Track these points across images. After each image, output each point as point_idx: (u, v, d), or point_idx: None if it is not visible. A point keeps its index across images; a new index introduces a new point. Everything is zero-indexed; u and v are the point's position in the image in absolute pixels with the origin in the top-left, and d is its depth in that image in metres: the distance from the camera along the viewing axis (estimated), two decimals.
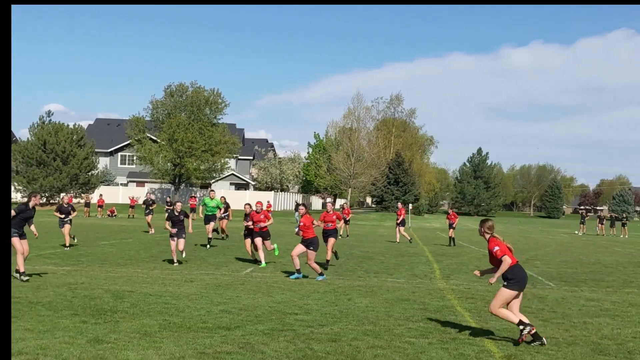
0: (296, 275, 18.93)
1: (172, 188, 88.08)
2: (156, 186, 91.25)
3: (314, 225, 19.30)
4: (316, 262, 18.89)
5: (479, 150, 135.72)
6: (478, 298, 16.23)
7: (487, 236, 11.37)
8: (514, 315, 10.93)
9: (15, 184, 74.29)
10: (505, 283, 10.88)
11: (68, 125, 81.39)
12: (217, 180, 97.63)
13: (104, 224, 45.62)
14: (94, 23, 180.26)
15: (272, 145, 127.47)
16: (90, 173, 79.89)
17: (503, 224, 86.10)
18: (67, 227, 26.34)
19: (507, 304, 10.94)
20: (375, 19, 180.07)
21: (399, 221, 38.01)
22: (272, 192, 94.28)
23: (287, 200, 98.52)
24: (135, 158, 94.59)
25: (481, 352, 10.30)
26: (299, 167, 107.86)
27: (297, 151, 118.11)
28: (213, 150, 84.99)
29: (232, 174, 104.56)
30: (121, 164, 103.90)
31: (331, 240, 22.24)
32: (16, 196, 72.74)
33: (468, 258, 28.81)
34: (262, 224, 21.66)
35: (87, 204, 64.31)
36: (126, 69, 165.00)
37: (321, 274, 18.85)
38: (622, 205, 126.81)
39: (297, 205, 21.45)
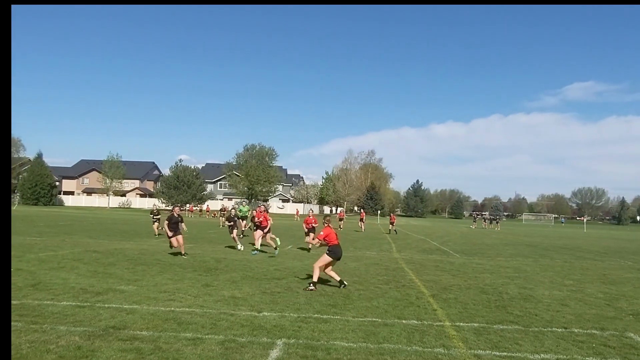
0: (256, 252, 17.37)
1: (247, 201, 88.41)
2: (238, 200, 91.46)
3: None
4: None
5: (417, 181, 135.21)
6: (417, 263, 16.20)
7: (325, 225, 10.99)
8: (331, 273, 10.68)
9: (161, 199, 75.20)
10: (327, 252, 10.57)
11: (190, 166, 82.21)
12: (272, 197, 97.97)
13: (209, 221, 45.63)
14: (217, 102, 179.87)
15: (302, 178, 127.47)
16: (202, 193, 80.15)
17: (430, 221, 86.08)
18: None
19: (326, 266, 10.59)
20: (367, 103, 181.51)
21: (362, 219, 39.15)
22: (302, 203, 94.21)
23: (310, 209, 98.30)
24: (227, 184, 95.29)
25: (419, 293, 10.34)
26: (317, 190, 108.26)
27: (316, 181, 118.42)
28: (269, 181, 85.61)
29: (280, 194, 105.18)
30: (220, 188, 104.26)
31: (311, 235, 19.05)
32: (161, 206, 73.72)
33: (412, 241, 28.70)
34: (264, 225, 18.42)
35: (201, 210, 65.92)
36: (223, 130, 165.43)
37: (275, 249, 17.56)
38: (496, 211, 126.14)
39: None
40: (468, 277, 13.19)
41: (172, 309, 7.83)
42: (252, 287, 10.12)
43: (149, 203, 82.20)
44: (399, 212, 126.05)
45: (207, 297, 8.95)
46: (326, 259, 10.55)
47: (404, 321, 7.75)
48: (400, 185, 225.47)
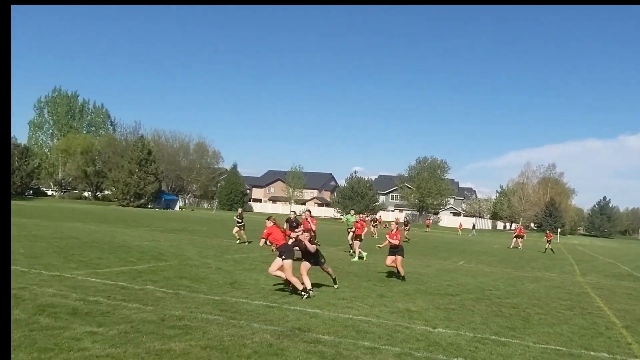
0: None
1: (418, 214, 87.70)
2: (408, 212, 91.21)
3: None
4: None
5: (604, 197, 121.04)
6: (605, 288, 14.57)
7: (269, 224, 10.00)
8: (300, 277, 9.44)
9: (337, 208, 78.32)
10: (279, 255, 9.57)
11: (364, 178, 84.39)
12: (442, 210, 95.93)
13: (381, 232, 46.08)
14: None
15: (474, 191, 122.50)
16: (375, 204, 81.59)
17: (619, 242, 76.42)
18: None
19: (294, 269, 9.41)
20: (546, 113, 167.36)
21: (520, 234, 36.05)
22: (474, 217, 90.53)
23: (483, 223, 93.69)
24: (399, 196, 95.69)
25: (608, 323, 9.28)
26: (491, 204, 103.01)
27: (489, 195, 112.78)
28: (441, 193, 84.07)
29: (451, 207, 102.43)
30: (391, 199, 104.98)
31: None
32: (335, 215, 76.99)
33: (597, 263, 25.88)
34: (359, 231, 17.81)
35: (379, 221, 67.29)
36: (396, 142, 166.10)
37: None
38: None
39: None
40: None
41: (351, 316, 8.06)
42: (425, 302, 9.98)
43: (326, 212, 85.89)
44: (581, 231, 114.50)
45: (383, 307, 9.04)
46: (286, 263, 9.29)
47: (592, 353, 7.00)
48: (583, 202, 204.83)
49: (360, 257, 17.48)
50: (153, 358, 5.28)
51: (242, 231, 21.56)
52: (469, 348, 6.72)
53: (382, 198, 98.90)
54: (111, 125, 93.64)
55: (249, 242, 20.80)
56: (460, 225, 63.42)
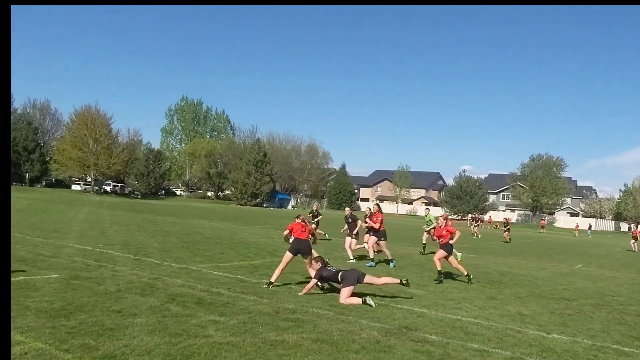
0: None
1: (531, 214, 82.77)
2: (521, 212, 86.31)
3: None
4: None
5: None
6: None
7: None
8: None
9: (444, 208, 76.35)
10: None
11: (473, 177, 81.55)
12: (559, 210, 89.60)
13: (491, 232, 44.12)
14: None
15: (594, 190, 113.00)
16: (484, 204, 78.34)
17: None
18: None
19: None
20: None
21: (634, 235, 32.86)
22: (593, 218, 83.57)
23: (604, 224, 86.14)
24: (510, 196, 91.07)
25: None
26: (613, 204, 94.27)
27: (612, 194, 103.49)
28: (556, 193, 78.59)
29: (568, 207, 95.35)
30: (502, 199, 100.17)
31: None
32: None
33: None
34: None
35: (482, 221, 64.05)
36: (508, 139, 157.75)
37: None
38: None
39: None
40: None
41: (459, 317, 7.84)
42: (539, 306, 9.43)
43: (433, 212, 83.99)
44: None
45: (493, 310, 8.69)
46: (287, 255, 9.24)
47: None
48: None
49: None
50: (268, 348, 5.53)
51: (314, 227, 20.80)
52: (587, 356, 6.26)
53: (492, 197, 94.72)
54: (231, 129, 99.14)
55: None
56: (577, 226, 58.90)
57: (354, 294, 8.35)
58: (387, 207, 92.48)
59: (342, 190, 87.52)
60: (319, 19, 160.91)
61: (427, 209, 21.47)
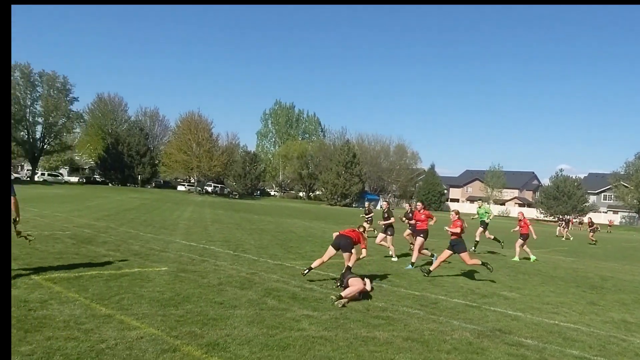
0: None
1: (637, 215, 75.93)
2: (625, 213, 79.51)
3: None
4: None
5: None
6: None
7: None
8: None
9: (539, 209, 72.24)
10: None
11: (571, 177, 76.39)
12: None
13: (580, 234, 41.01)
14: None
15: None
16: (584, 204, 72.97)
17: None
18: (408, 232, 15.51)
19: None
20: None
21: None
22: None
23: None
24: (613, 196, 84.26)
25: None
26: None
27: None
28: None
29: None
30: (604, 199, 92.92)
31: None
32: (539, 216, 71.23)
33: None
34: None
35: (581, 222, 59.53)
36: (609, 137, 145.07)
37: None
38: None
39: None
40: None
41: (556, 322, 7.40)
42: None
43: (527, 213, 79.79)
44: None
45: (594, 316, 8.11)
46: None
47: None
48: None
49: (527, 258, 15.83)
50: (360, 343, 5.56)
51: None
52: None
53: (592, 198, 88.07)
54: (321, 131, 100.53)
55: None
56: None
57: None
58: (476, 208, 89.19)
59: (432, 191, 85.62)
60: (411, 20, 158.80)
61: (479, 200, 20.46)
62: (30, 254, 9.48)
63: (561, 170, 77.70)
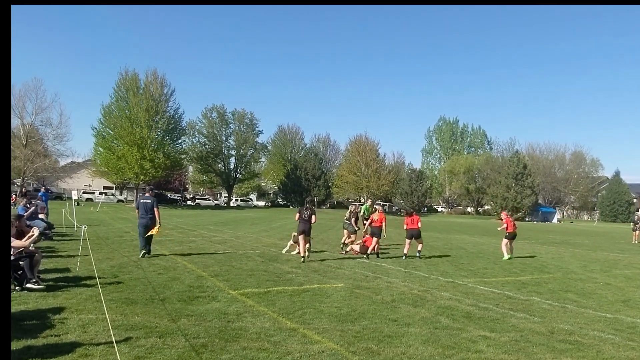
0: None
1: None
2: None
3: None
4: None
5: None
6: None
7: None
8: None
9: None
10: None
11: None
12: None
13: None
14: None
15: None
16: None
17: None
18: None
19: None
20: None
21: None
22: None
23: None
24: None
25: None
26: None
27: None
28: None
29: None
30: None
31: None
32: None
33: None
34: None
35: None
36: None
37: None
38: None
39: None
40: None
41: None
42: None
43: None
44: None
45: None
46: None
47: None
48: None
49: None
50: None
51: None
52: None
53: None
54: (488, 144, 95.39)
55: None
56: None
57: None
58: None
59: (617, 200, 75.09)
60: (586, 19, 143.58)
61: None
62: (228, 271, 10.53)
63: None
